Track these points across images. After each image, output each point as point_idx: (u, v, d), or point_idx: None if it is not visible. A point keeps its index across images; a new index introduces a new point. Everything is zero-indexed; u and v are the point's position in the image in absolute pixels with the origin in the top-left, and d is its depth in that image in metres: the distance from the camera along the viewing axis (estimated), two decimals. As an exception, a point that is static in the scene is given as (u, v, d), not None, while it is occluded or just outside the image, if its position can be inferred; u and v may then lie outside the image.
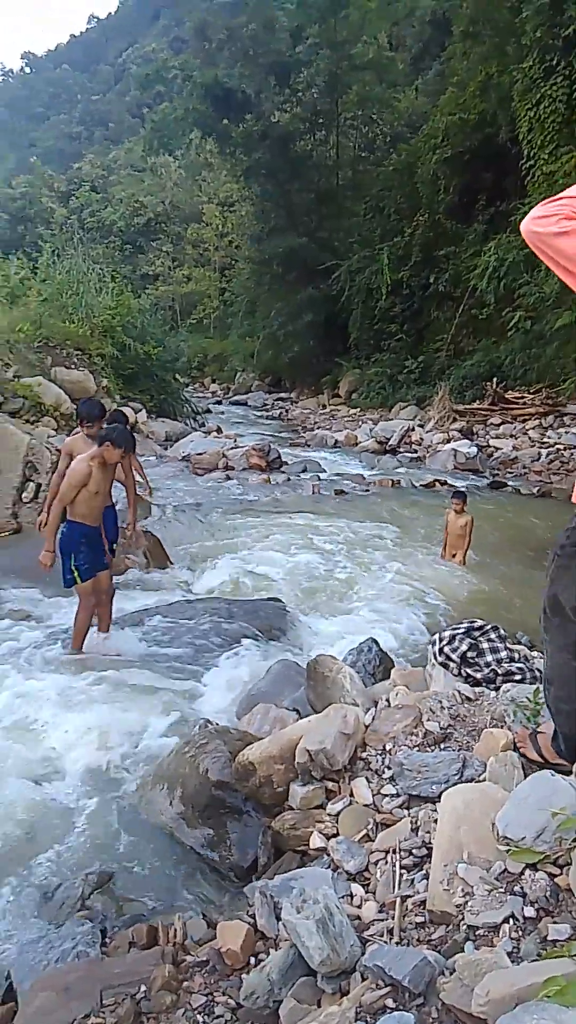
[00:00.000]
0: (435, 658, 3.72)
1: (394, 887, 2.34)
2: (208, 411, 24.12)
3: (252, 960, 2.29)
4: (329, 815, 2.76)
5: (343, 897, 2.39)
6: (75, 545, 5.25)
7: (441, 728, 2.99)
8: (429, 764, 2.66)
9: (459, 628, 3.74)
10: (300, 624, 6.27)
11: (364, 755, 2.96)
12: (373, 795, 2.76)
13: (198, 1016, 2.17)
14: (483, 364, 19.11)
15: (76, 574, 5.28)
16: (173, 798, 3.32)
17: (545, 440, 14.21)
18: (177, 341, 23.48)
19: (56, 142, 74.66)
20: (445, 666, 3.60)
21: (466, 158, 21.33)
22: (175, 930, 2.55)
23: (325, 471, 12.94)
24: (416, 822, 2.53)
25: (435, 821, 2.51)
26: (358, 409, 23.41)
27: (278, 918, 2.40)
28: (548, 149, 16.10)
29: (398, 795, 2.70)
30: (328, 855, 2.60)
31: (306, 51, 26.87)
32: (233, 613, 6.12)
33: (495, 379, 17.38)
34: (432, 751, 2.87)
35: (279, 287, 28.81)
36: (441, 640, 3.77)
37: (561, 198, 2.14)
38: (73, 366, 16.74)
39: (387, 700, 3.47)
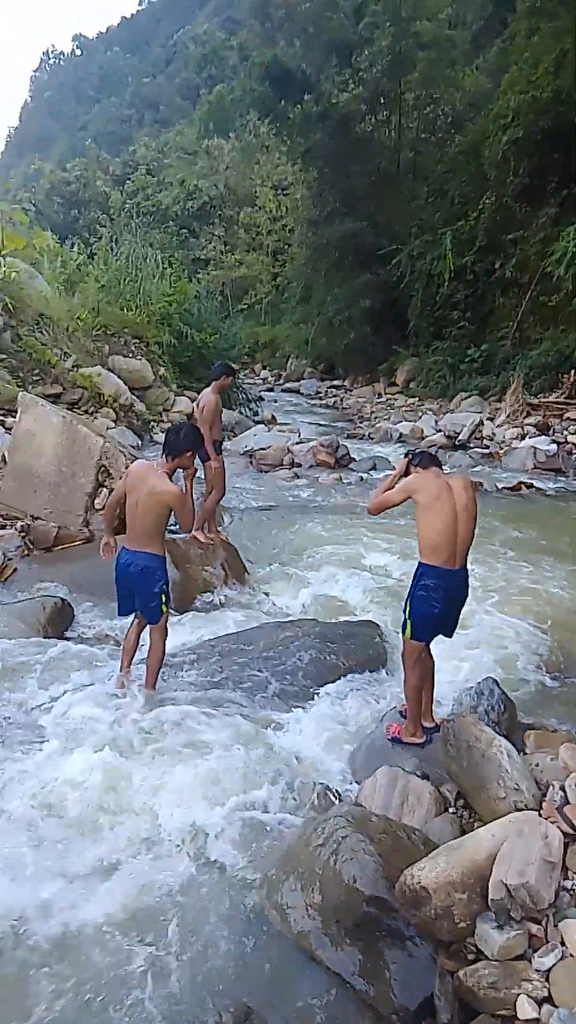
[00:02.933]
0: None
1: None
2: (260, 399, 23.57)
3: None
4: (537, 972, 2.18)
5: None
6: (165, 572, 4.71)
7: None
8: None
9: None
10: (397, 651, 5.69)
11: (569, 885, 2.37)
12: (594, 947, 2.17)
13: None
14: (552, 353, 18.24)
15: (164, 602, 4.73)
16: (310, 905, 2.76)
17: (627, 437, 13.35)
18: (233, 329, 22.94)
19: (107, 125, 74.29)
20: None
21: (537, 138, 20.31)
22: None
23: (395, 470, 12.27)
24: None
25: None
26: (416, 399, 22.66)
27: None
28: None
29: (629, 950, 2.11)
30: (545, 1032, 2.02)
31: (367, 29, 25.93)
32: (327, 639, 5.56)
33: (572, 370, 16.47)
34: None
35: (335, 273, 28.05)
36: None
37: None
38: (131, 355, 16.34)
39: (563, 791, 2.85)
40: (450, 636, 4.23)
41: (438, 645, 5.17)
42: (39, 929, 2.73)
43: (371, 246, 25.14)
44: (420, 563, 3.93)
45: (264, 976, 2.66)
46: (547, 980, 2.15)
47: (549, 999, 2.12)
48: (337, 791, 3.67)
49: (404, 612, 4.03)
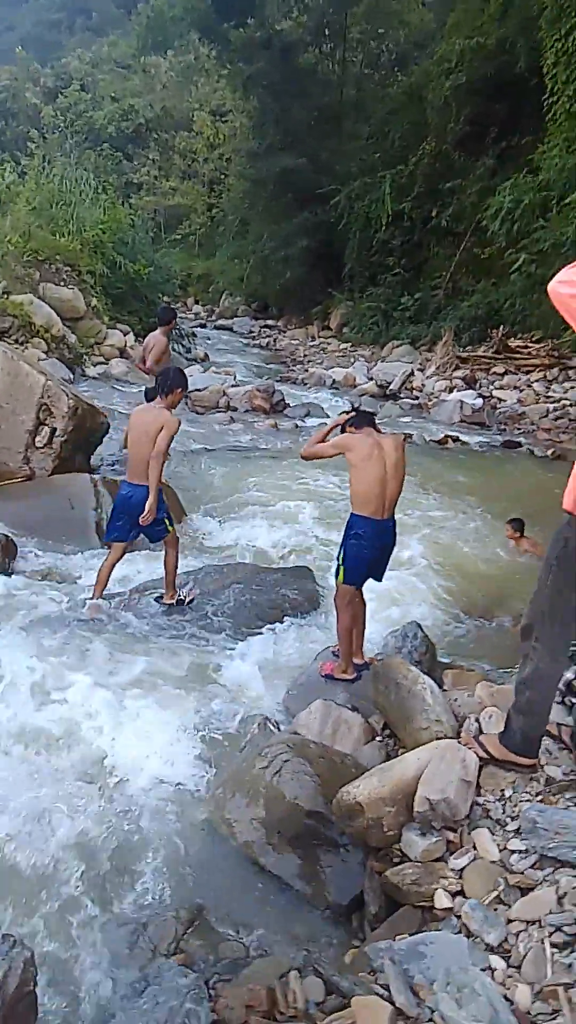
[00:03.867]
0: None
1: (547, 970, 2.18)
2: (193, 334, 23.36)
3: (396, 1045, 2.12)
4: (452, 871, 2.59)
5: (483, 970, 2.22)
6: (164, 501, 5.30)
7: (564, 774, 2.82)
8: (569, 827, 2.47)
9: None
10: (330, 594, 6.07)
11: (481, 800, 2.78)
12: (500, 850, 2.59)
13: None
14: (481, 306, 18.57)
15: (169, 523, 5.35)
16: (255, 819, 3.13)
17: (551, 394, 13.92)
18: (167, 260, 22.48)
19: (34, 28, 69.66)
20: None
21: (479, 86, 20.24)
22: (294, 993, 2.39)
23: (329, 418, 12.56)
24: (559, 890, 2.37)
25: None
26: (349, 344, 22.80)
27: (413, 992, 2.24)
28: (574, 86, 15.29)
29: (528, 853, 2.53)
30: (458, 918, 2.44)
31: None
32: (264, 582, 5.89)
33: (500, 326, 16.92)
34: (558, 801, 2.70)
35: (273, 208, 27.56)
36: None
37: None
38: (63, 283, 15.90)
39: (478, 723, 3.27)
40: (380, 581, 4.61)
41: (368, 591, 5.59)
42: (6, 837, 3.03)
43: (310, 184, 24.73)
44: (352, 514, 4.29)
45: (214, 881, 3.02)
46: (460, 877, 2.57)
47: (462, 892, 2.53)
48: (277, 722, 4.03)
49: (338, 559, 4.38)
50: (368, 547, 4.26)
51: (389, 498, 4.22)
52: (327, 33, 27.01)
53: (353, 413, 4.65)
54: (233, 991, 2.43)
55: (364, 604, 4.63)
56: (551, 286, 2.49)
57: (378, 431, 4.42)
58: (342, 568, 4.34)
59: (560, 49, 15.61)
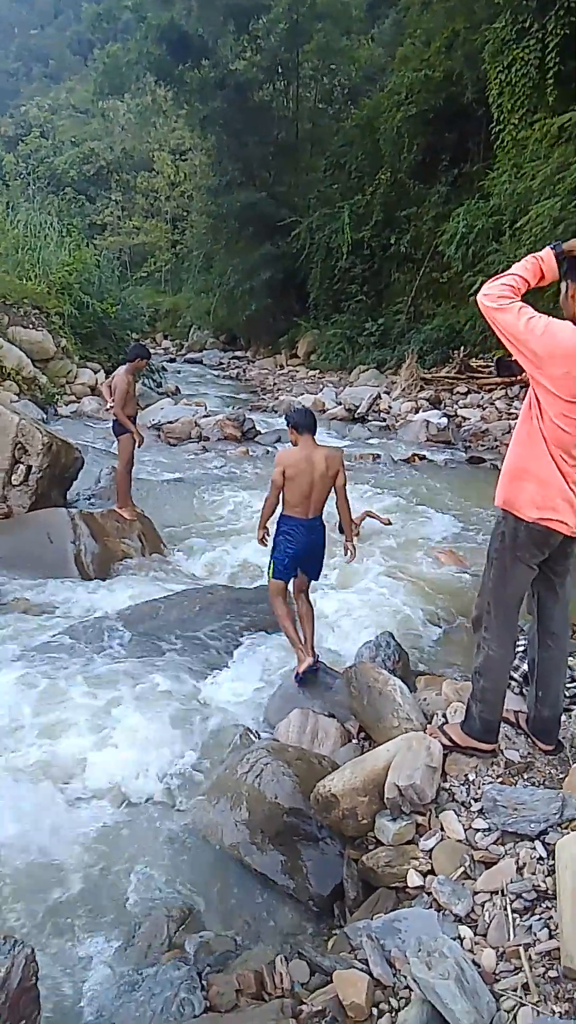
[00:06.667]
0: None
1: (509, 934, 2.36)
2: (163, 369, 23.65)
3: (375, 1011, 2.29)
4: (423, 851, 2.77)
5: (453, 939, 2.40)
6: None
7: (521, 757, 3.02)
8: (526, 802, 2.67)
9: (519, 644, 3.74)
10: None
11: (447, 785, 2.97)
12: (465, 830, 2.77)
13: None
14: (443, 329, 19.06)
15: None
16: (238, 821, 3.29)
17: (512, 411, 14.32)
18: (134, 298, 22.80)
19: (-9, 77, 70.81)
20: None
21: (430, 116, 20.93)
22: (281, 975, 2.54)
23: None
24: (519, 861, 2.56)
25: (539, 861, 2.55)
26: (317, 371, 23.21)
27: (389, 964, 2.41)
28: (518, 114, 15.90)
29: (491, 830, 2.73)
30: (429, 894, 2.61)
31: (265, -5, 25.87)
32: (240, 602, 6.06)
33: (461, 347, 17.37)
34: (517, 782, 2.90)
35: (236, 242, 28.14)
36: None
37: (503, 276, 2.74)
38: (31, 325, 16.14)
39: (444, 718, 3.47)
40: (316, 578, 5.05)
41: (341, 603, 5.82)
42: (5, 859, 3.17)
43: (271, 217, 25.31)
44: (282, 514, 4.76)
45: (202, 882, 3.17)
46: (430, 857, 2.74)
47: (432, 871, 2.71)
48: (258, 732, 4.20)
49: (270, 556, 4.83)
50: (294, 544, 4.72)
51: (315, 501, 4.68)
52: (280, 71, 27.76)
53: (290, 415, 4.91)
54: (224, 978, 2.58)
55: (311, 605, 5.03)
56: (478, 298, 2.76)
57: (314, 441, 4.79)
58: (271, 564, 4.83)
59: (504, 80, 16.23)
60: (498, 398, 15.15)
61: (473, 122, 19.69)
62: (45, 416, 13.14)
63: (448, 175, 20.89)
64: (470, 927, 2.46)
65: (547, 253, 2.70)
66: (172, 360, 28.98)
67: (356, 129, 24.31)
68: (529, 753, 3.06)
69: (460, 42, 19.61)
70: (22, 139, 42.19)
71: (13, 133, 43.83)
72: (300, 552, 4.75)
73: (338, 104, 29.27)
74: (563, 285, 2.72)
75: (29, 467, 7.17)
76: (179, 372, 24.71)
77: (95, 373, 17.18)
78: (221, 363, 28.57)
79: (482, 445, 12.85)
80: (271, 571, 4.82)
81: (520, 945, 2.29)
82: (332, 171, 25.04)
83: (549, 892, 2.43)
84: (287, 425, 4.83)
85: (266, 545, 4.90)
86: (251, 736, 4.08)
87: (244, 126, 26.48)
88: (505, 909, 2.43)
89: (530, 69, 15.33)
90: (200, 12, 25.29)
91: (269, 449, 12.06)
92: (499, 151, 17.04)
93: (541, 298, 2.79)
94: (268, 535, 4.88)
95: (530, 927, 2.34)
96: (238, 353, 30.01)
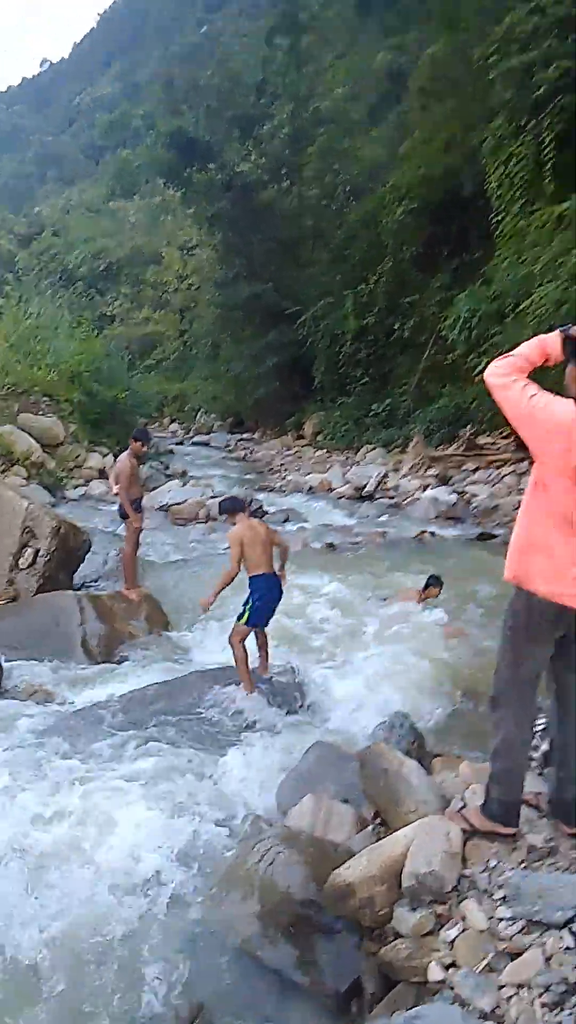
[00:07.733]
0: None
1: (540, 1032, 2.21)
2: (170, 452, 23.96)
3: None
4: (444, 943, 2.62)
5: (479, 1040, 2.25)
6: None
7: (544, 841, 2.89)
8: (550, 887, 2.54)
9: (538, 722, 3.63)
10: (315, 690, 6.13)
11: (468, 872, 2.84)
12: (488, 919, 2.63)
13: None
14: (449, 408, 19.28)
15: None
16: (249, 914, 3.13)
17: (521, 487, 14.34)
18: (143, 386, 23.33)
19: (8, 180, 74.42)
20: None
21: (431, 210, 21.77)
22: None
23: (307, 521, 12.85)
24: (546, 952, 2.41)
25: (566, 951, 2.41)
26: (324, 451, 23.40)
27: (412, 1067, 2.25)
28: (518, 205, 16.53)
29: (515, 919, 2.58)
30: (451, 989, 2.46)
31: (269, 104, 27.35)
32: (249, 684, 5.95)
33: (468, 425, 17.58)
34: (539, 868, 2.77)
35: (243, 331, 28.91)
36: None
37: (510, 355, 2.84)
38: (41, 412, 16.51)
39: (463, 801, 3.34)
40: (266, 625, 5.96)
41: (353, 682, 5.73)
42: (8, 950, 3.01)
43: (276, 307, 26.03)
44: (251, 577, 5.69)
45: (213, 978, 3.00)
46: (451, 948, 2.59)
47: (454, 964, 2.56)
48: (269, 820, 4.05)
49: (244, 606, 5.71)
50: (268, 597, 5.76)
51: (269, 558, 5.74)
52: (284, 172, 29.03)
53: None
54: None
55: (265, 637, 6.07)
56: (485, 375, 2.86)
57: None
58: (247, 613, 5.69)
59: (503, 174, 16.96)
60: (507, 474, 15.19)
61: (473, 213, 20.38)
62: (53, 499, 13.27)
63: (448, 264, 21.54)
64: (496, 1023, 2.30)
65: (554, 336, 2.76)
66: (180, 443, 29.35)
67: (358, 223, 25.22)
68: (552, 837, 2.93)
69: (459, 140, 20.56)
70: (35, 237, 44.06)
71: (27, 231, 45.80)
72: (275, 601, 5.84)
73: (340, 200, 30.50)
74: (568, 367, 2.77)
75: (37, 550, 7.20)
76: (187, 455, 24.99)
77: (103, 457, 17.43)
78: (228, 445, 28.89)
79: (492, 521, 12.80)
80: (246, 618, 5.69)
81: (551, 1044, 2.14)
82: (335, 262, 25.88)
83: (580, 985, 2.28)
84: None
85: (208, 612, 6.10)
86: (262, 823, 3.93)
87: (249, 224, 27.55)
88: (533, 1003, 2.28)
89: (528, 163, 16.01)
90: (207, 121, 26.74)
91: (277, 528, 12.05)
92: (499, 240, 17.63)
93: (546, 378, 2.86)
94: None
95: (560, 1023, 2.19)
96: (245, 435, 30.36)
